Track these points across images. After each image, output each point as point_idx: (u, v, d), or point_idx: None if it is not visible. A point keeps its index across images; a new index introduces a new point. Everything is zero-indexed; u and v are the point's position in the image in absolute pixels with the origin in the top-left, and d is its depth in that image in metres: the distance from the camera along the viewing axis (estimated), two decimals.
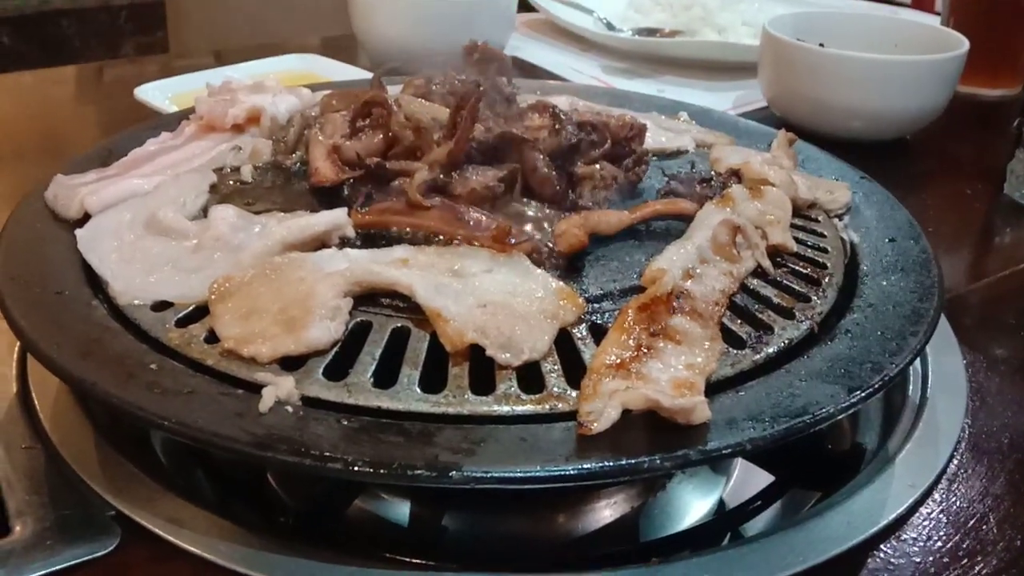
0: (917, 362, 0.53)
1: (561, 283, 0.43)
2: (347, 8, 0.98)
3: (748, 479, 0.52)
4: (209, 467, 0.49)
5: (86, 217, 0.50)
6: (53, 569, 0.37)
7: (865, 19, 0.91)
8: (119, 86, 0.95)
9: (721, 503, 0.51)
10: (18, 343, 0.51)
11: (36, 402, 0.46)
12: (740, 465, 0.53)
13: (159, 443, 0.48)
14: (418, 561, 0.40)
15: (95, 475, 0.42)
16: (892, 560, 0.40)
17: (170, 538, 0.38)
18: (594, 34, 1.08)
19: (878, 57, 0.79)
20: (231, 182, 0.53)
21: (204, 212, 0.49)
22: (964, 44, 0.82)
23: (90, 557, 0.38)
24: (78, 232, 0.48)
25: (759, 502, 0.49)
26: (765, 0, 1.19)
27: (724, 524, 0.49)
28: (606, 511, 0.49)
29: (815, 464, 0.50)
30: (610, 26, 1.10)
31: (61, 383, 0.47)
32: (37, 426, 0.45)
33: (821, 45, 0.84)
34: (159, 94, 0.81)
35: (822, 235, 0.52)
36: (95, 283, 0.45)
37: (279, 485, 0.49)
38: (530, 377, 0.39)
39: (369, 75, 0.86)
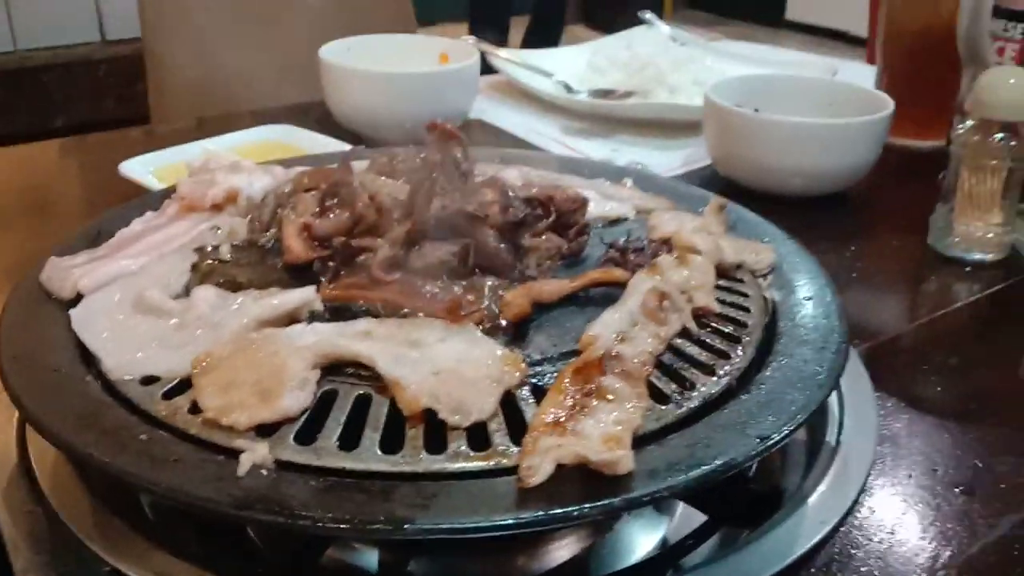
0: (835, 407, 0.58)
1: (506, 350, 0.48)
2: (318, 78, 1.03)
3: (689, 517, 0.56)
4: (194, 524, 0.53)
5: (79, 297, 0.54)
6: None
7: (801, 81, 0.96)
8: (103, 158, 0.99)
9: (664, 540, 0.56)
10: (16, 415, 0.55)
11: (36, 469, 0.51)
12: (681, 506, 0.57)
13: (147, 504, 0.53)
14: None
15: (91, 535, 0.46)
16: None
17: None
18: (553, 96, 1.13)
19: (808, 121, 0.85)
20: (210, 260, 0.58)
21: (187, 290, 0.54)
22: (890, 105, 0.88)
23: None
24: (72, 312, 0.52)
25: (693, 540, 0.54)
26: (715, 60, 1.25)
27: (666, 560, 0.53)
28: (560, 551, 0.53)
29: (742, 504, 0.54)
30: (568, 88, 1.16)
31: (57, 452, 0.52)
32: (37, 491, 0.49)
33: (756, 110, 0.89)
34: (142, 168, 0.85)
35: (745, 295, 0.57)
36: (88, 360, 0.50)
37: (258, 538, 0.53)
38: (478, 436, 0.44)
39: (339, 145, 0.92)
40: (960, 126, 0.77)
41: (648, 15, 1.38)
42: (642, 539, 0.55)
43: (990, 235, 0.78)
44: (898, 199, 0.94)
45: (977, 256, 0.78)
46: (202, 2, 1.49)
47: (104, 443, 0.43)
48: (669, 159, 1.00)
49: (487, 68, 1.17)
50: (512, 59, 1.21)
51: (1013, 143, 0.74)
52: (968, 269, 0.78)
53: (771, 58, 1.29)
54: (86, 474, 0.50)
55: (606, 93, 1.15)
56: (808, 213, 0.86)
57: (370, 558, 0.53)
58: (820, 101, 0.92)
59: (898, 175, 0.98)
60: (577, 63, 1.25)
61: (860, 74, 1.18)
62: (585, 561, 0.54)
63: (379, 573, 0.52)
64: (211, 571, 0.44)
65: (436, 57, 1.06)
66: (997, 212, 0.77)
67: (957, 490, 0.52)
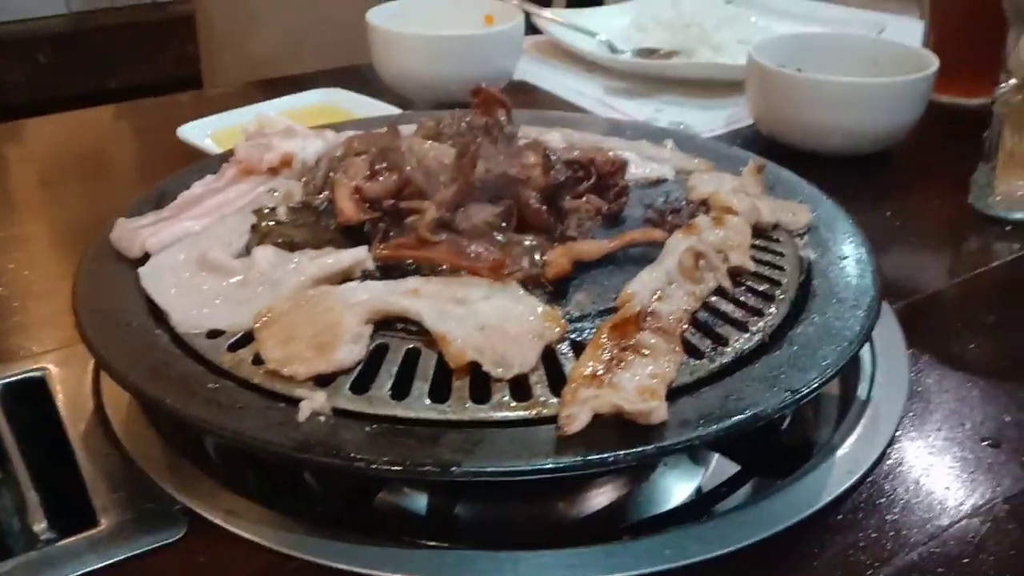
0: (868, 363, 0.60)
1: (547, 307, 0.50)
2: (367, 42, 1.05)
3: (723, 468, 0.59)
4: (256, 467, 0.57)
5: (146, 256, 0.57)
6: (133, 553, 0.45)
7: (845, 40, 0.96)
8: (157, 122, 1.03)
9: (699, 489, 0.58)
10: (90, 367, 0.59)
11: (111, 416, 0.55)
12: (715, 458, 0.59)
13: (212, 448, 0.56)
14: (433, 543, 0.47)
15: (164, 476, 0.50)
16: (827, 536, 0.47)
17: (228, 527, 0.46)
18: (596, 56, 1.14)
19: (849, 80, 0.86)
20: (269, 221, 0.61)
21: (247, 250, 0.57)
22: (934, 63, 0.88)
23: (162, 543, 0.45)
24: (140, 270, 0.56)
25: (726, 488, 0.56)
26: (760, 16, 1.25)
27: (700, 506, 0.56)
28: (599, 498, 0.56)
29: (773, 455, 0.56)
30: (612, 48, 1.16)
31: (130, 400, 0.56)
32: (112, 437, 0.53)
33: (799, 70, 0.90)
34: (199, 132, 0.88)
35: (781, 254, 0.59)
36: (157, 314, 0.53)
37: (315, 481, 0.56)
38: (520, 387, 0.46)
39: (387, 109, 0.94)
40: (1004, 85, 0.77)
41: None
42: (678, 488, 0.58)
43: None
44: (941, 158, 0.94)
45: (1018, 215, 0.78)
46: None
47: (175, 391, 0.46)
48: (712, 119, 1.00)
49: (531, 28, 1.18)
50: (556, 19, 1.21)
51: None
52: (1008, 228, 0.78)
53: (818, 14, 1.28)
54: (156, 420, 0.54)
55: (650, 52, 1.16)
56: (850, 172, 0.86)
57: (419, 502, 0.56)
58: (864, 59, 0.92)
59: (943, 134, 0.98)
60: (621, 21, 1.26)
61: (909, 30, 1.16)
62: (623, 507, 0.56)
63: (427, 516, 0.56)
64: (272, 510, 0.48)
65: (481, 19, 1.07)
66: None
67: (984, 443, 0.53)
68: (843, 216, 0.64)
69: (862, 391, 0.58)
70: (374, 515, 0.55)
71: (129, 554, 0.45)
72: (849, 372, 0.60)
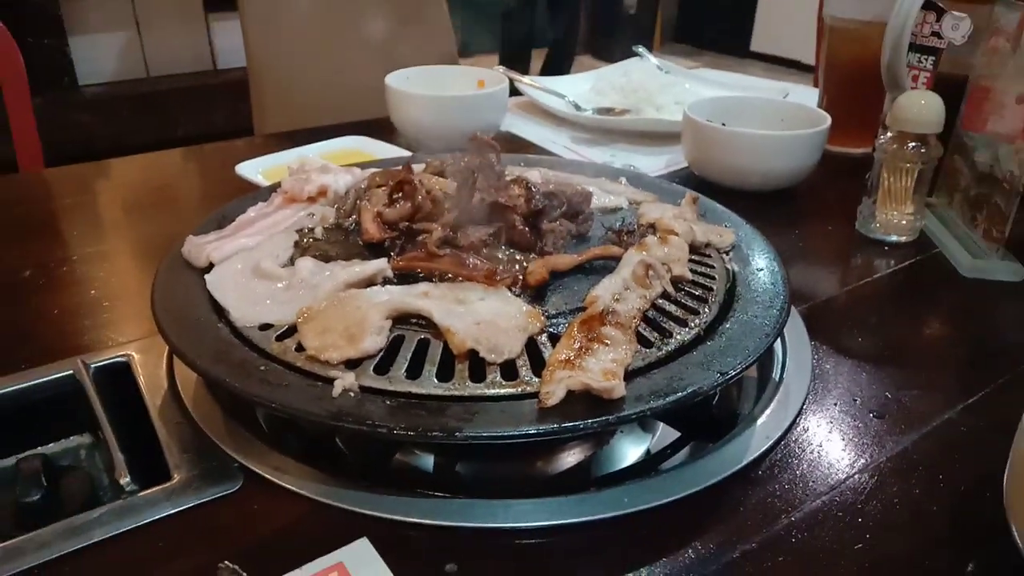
0: (780, 352, 0.60)
1: (530, 306, 0.50)
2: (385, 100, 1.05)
3: (666, 435, 0.59)
4: (299, 435, 0.56)
5: (210, 266, 0.57)
6: (199, 501, 0.44)
7: (759, 102, 0.97)
8: (215, 162, 1.02)
9: (648, 451, 0.58)
10: (166, 353, 0.58)
11: (182, 393, 0.54)
12: (660, 426, 0.59)
13: (264, 420, 0.55)
14: (440, 495, 0.47)
15: (224, 439, 0.49)
16: (750, 486, 0.47)
17: (276, 480, 0.45)
18: (565, 113, 1.14)
19: (763, 132, 0.86)
20: (308, 239, 0.60)
21: (291, 261, 0.56)
22: (827, 121, 0.88)
23: (224, 494, 0.45)
24: (206, 277, 0.55)
25: (670, 450, 0.56)
26: (692, 84, 1.25)
27: (648, 464, 0.56)
28: (569, 458, 0.56)
29: (707, 424, 0.56)
30: (577, 106, 1.16)
31: (198, 381, 0.55)
32: (183, 409, 0.52)
33: (724, 124, 0.90)
34: (252, 169, 0.87)
35: (712, 267, 0.58)
36: (219, 311, 0.52)
37: (344, 445, 0.56)
38: (509, 370, 0.46)
39: (402, 152, 0.93)
40: (882, 137, 0.77)
41: (640, 49, 1.38)
42: (631, 450, 0.57)
43: (904, 222, 0.78)
44: (833, 194, 0.94)
45: (894, 238, 0.79)
46: (294, 42, 1.51)
47: (234, 372, 0.45)
48: (655, 162, 1.00)
49: (514, 91, 1.18)
50: (533, 84, 1.21)
51: (923, 150, 0.75)
52: (887, 248, 0.79)
53: (737, 83, 1.29)
54: (219, 396, 0.53)
55: (607, 110, 1.16)
56: (764, 205, 0.86)
57: (427, 461, 0.55)
58: (774, 117, 0.93)
59: (834, 175, 0.98)
60: (584, 86, 1.26)
61: (807, 95, 1.17)
62: (588, 466, 0.56)
63: (434, 473, 0.55)
64: (311, 467, 0.47)
65: (475, 83, 1.07)
66: (910, 204, 0.78)
67: (871, 415, 0.53)
68: (759, 237, 0.64)
69: (776, 374, 0.58)
70: (391, 472, 0.54)
71: (196, 502, 0.44)
72: (765, 360, 0.60)
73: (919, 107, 0.73)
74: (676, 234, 0.58)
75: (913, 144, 0.75)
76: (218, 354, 0.47)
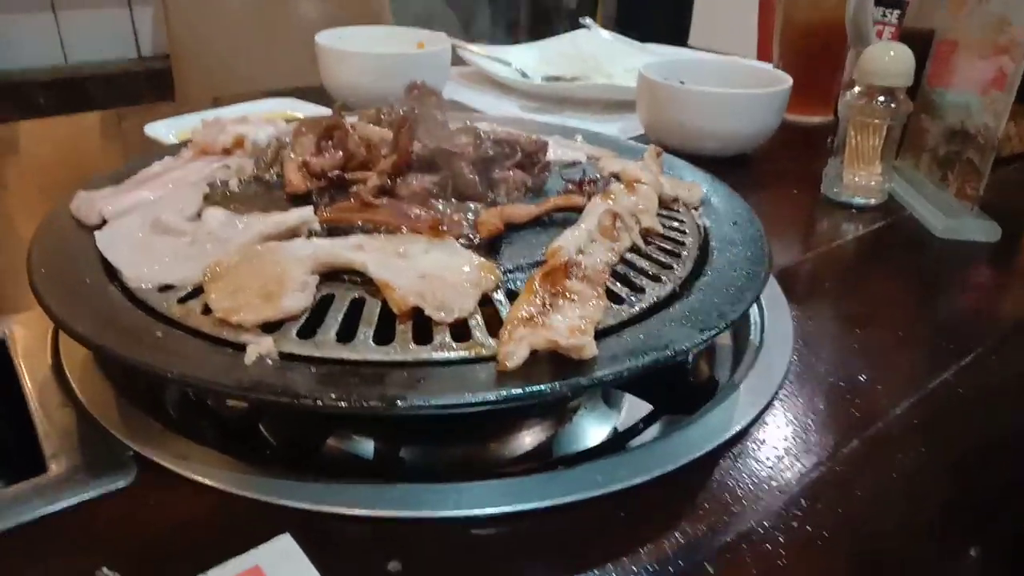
0: (757, 316, 0.54)
1: (483, 259, 0.43)
2: (317, 63, 0.97)
3: (634, 411, 0.52)
4: (211, 420, 0.48)
5: (104, 223, 0.48)
6: (81, 499, 0.36)
7: (716, 63, 0.92)
8: (133, 127, 0.92)
9: (615, 430, 0.52)
10: (51, 328, 0.49)
11: (67, 372, 0.45)
12: (628, 401, 0.53)
13: (171, 403, 0.47)
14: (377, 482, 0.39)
15: (116, 424, 0.40)
16: (739, 459, 0.41)
17: (178, 470, 0.37)
18: (512, 81, 1.07)
19: (722, 91, 0.81)
20: (220, 192, 0.52)
21: (199, 216, 0.48)
22: (788, 81, 0.84)
23: (112, 488, 0.36)
24: (96, 233, 0.46)
25: (642, 425, 0.50)
26: (643, 55, 1.20)
27: (617, 442, 0.50)
28: (527, 439, 0.49)
29: (683, 394, 0.50)
30: (524, 75, 1.10)
31: (87, 357, 0.46)
32: (68, 390, 0.43)
33: (682, 83, 0.85)
34: (165, 130, 0.78)
35: (682, 221, 0.53)
36: (112, 273, 0.44)
37: (267, 432, 0.48)
38: (460, 330, 0.39)
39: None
40: (848, 93, 0.73)
41: (587, 20, 1.32)
42: (595, 430, 0.51)
43: (872, 183, 0.74)
44: (794, 161, 0.90)
45: (862, 200, 0.75)
46: (219, 24, 1.42)
47: (122, 339, 0.37)
48: (607, 129, 0.94)
49: (458, 60, 1.11)
50: (478, 51, 1.14)
51: (892, 105, 0.71)
52: (854, 211, 0.74)
53: (688, 56, 1.24)
54: (112, 374, 0.44)
55: (555, 79, 1.09)
56: (723, 171, 0.81)
57: (366, 447, 0.48)
58: (732, 78, 0.87)
59: (793, 144, 0.95)
60: (531, 56, 1.19)
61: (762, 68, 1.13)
62: (548, 448, 0.50)
63: (374, 460, 0.47)
64: (225, 454, 0.39)
65: (414, 45, 0.99)
66: (878, 164, 0.74)
67: (862, 377, 0.48)
68: (729, 191, 0.58)
69: (755, 339, 0.52)
70: (324, 462, 0.46)
71: (76, 500, 0.36)
72: (742, 325, 0.54)
73: (888, 58, 0.69)
74: (644, 183, 0.52)
75: (882, 99, 0.71)
76: (104, 319, 0.39)
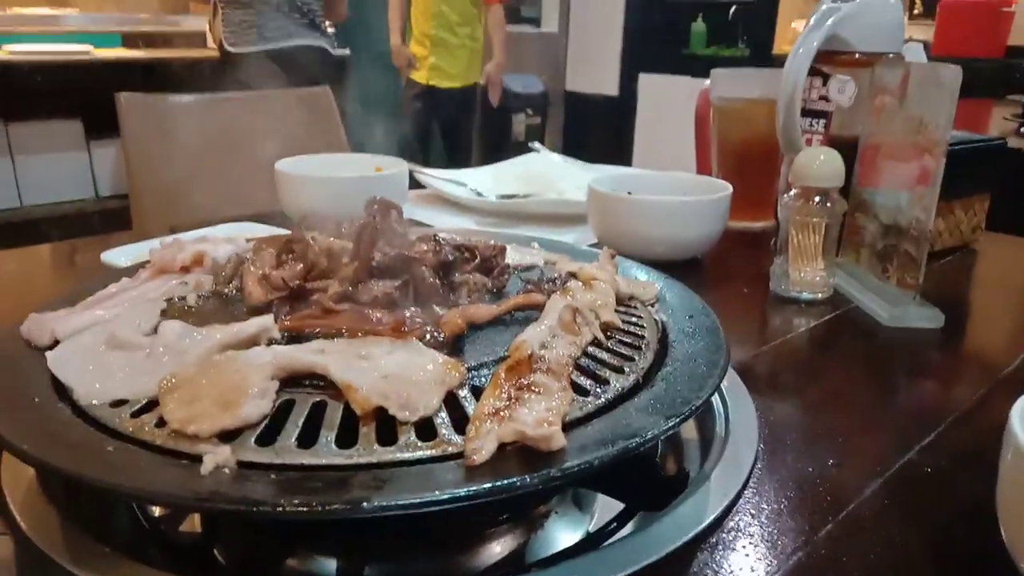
0: (720, 407, 0.55)
1: (447, 357, 0.43)
2: (276, 189, 0.98)
3: (607, 514, 0.51)
4: (162, 546, 0.45)
5: (56, 344, 0.47)
6: None
7: (661, 177, 0.96)
8: (88, 259, 0.91)
9: (588, 533, 0.50)
10: None
11: (8, 497, 0.42)
12: (600, 505, 0.52)
13: (120, 529, 0.44)
14: None
15: (59, 551, 0.37)
16: (716, 549, 0.40)
17: None
18: (468, 200, 1.11)
19: (668, 199, 0.85)
20: (179, 307, 0.51)
21: (156, 331, 0.47)
22: (729, 188, 0.89)
23: None
24: (47, 353, 0.45)
25: (615, 524, 0.48)
26: (590, 172, 1.25)
27: (591, 542, 0.48)
28: (497, 548, 0.47)
29: (654, 489, 0.49)
30: (479, 194, 1.14)
31: (31, 482, 0.43)
32: (8, 516, 0.40)
33: (629, 193, 0.88)
34: (122, 257, 0.78)
35: (640, 317, 0.53)
36: (63, 392, 0.42)
37: (222, 556, 0.45)
38: (425, 429, 0.38)
39: None
40: (786, 196, 0.77)
41: (536, 144, 1.39)
42: (568, 535, 0.49)
43: (818, 278, 0.77)
44: (740, 262, 0.93)
45: (809, 295, 0.77)
46: (178, 158, 1.46)
47: (69, 454, 0.35)
48: (562, 239, 0.97)
49: (415, 184, 1.14)
50: (433, 174, 1.18)
51: (828, 204, 0.75)
52: (803, 305, 0.77)
53: (634, 171, 1.30)
54: (56, 499, 0.42)
55: (510, 196, 1.13)
56: (672, 273, 0.83)
57: (328, 566, 0.45)
58: (676, 189, 0.92)
59: (738, 246, 0.98)
60: (485, 176, 1.24)
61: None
62: (520, 556, 0.47)
63: None
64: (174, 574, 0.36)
65: (372, 169, 1.02)
66: (821, 260, 0.77)
67: (830, 462, 0.48)
68: (683, 288, 0.60)
69: (719, 430, 0.52)
70: None
71: None
72: (707, 417, 0.54)
73: (819, 162, 0.74)
74: (600, 280, 0.53)
75: (817, 199, 0.74)
76: (51, 436, 0.37)
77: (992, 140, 0.96)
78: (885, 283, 0.75)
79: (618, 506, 0.50)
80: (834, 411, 0.55)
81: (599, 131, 5.32)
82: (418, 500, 0.33)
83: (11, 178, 3.00)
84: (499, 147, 4.91)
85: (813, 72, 0.83)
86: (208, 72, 2.88)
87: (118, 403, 0.40)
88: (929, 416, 0.54)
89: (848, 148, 0.79)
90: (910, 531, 0.41)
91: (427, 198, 1.18)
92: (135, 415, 0.39)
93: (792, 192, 0.76)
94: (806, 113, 0.85)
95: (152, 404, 0.40)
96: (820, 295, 0.77)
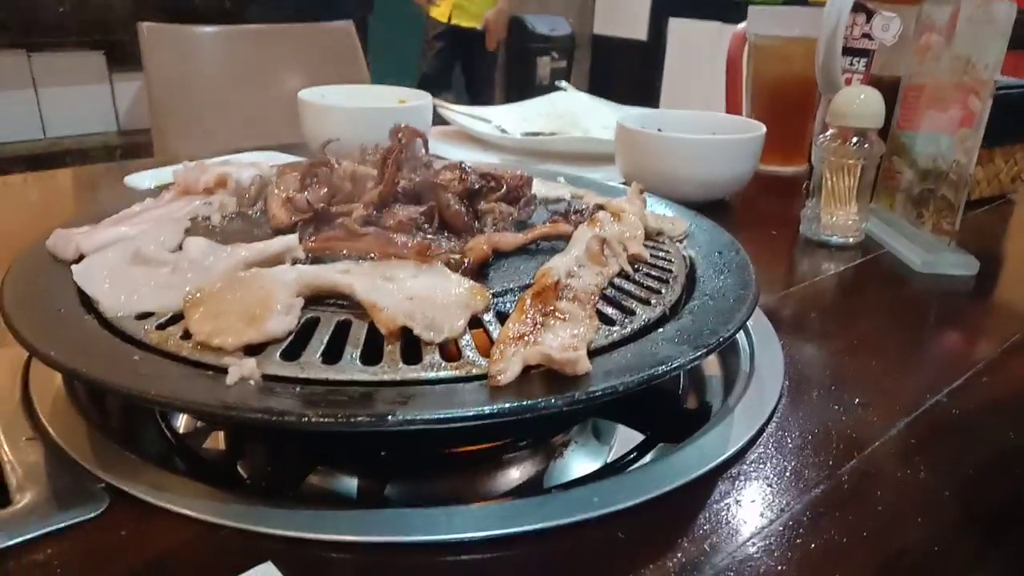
0: (746, 344, 0.54)
1: (472, 281, 0.42)
2: (299, 120, 0.97)
3: (627, 446, 0.51)
4: (189, 459, 0.46)
5: (81, 258, 0.47)
6: (47, 529, 0.33)
7: (691, 116, 0.94)
8: (111, 181, 0.91)
9: (606, 463, 0.50)
10: (22, 364, 0.47)
11: (37, 405, 0.43)
12: (619, 436, 0.52)
13: (147, 440, 0.45)
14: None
15: (86, 456, 0.38)
16: (737, 480, 0.39)
17: (151, 500, 0.35)
18: (491, 136, 1.09)
19: (699, 137, 0.83)
20: (203, 226, 0.51)
21: (180, 248, 0.47)
22: (762, 128, 0.86)
23: (81, 519, 0.34)
24: (73, 267, 0.45)
25: (635, 454, 0.48)
26: (617, 111, 1.23)
27: (609, 471, 0.48)
28: (515, 473, 0.48)
29: (675, 422, 0.49)
30: (503, 131, 1.12)
31: (58, 391, 0.44)
32: (37, 423, 0.41)
33: (659, 131, 0.86)
34: (146, 180, 0.77)
35: (668, 251, 0.52)
36: (89, 305, 0.42)
37: (245, 470, 0.46)
38: (449, 352, 0.38)
39: None
40: (822, 136, 0.75)
41: (563, 83, 1.36)
42: (586, 464, 0.50)
43: (850, 222, 0.75)
44: (771, 205, 0.92)
45: (840, 239, 0.76)
46: (200, 91, 1.44)
47: (97, 363, 0.35)
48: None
49: (438, 122, 1.12)
50: (458, 110, 1.16)
51: (865, 146, 0.73)
52: (834, 249, 0.75)
53: (663, 110, 1.27)
54: (83, 406, 0.43)
55: (535, 134, 1.11)
56: (703, 213, 0.83)
57: (349, 484, 0.46)
58: (707, 128, 0.89)
59: (769, 190, 0.96)
60: (510, 114, 1.22)
61: None
62: (539, 481, 0.48)
63: (358, 499, 0.45)
64: (201, 483, 0.37)
65: (396, 101, 1.00)
66: (854, 204, 0.75)
67: (856, 401, 0.47)
68: (712, 224, 0.59)
69: (745, 366, 0.51)
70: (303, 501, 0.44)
71: (43, 531, 0.33)
72: (731, 352, 0.53)
73: (859, 101, 0.71)
74: (629, 213, 0.52)
75: (855, 140, 0.72)
76: (79, 346, 0.37)
77: None
78: (919, 229, 0.73)
79: (638, 439, 0.50)
80: (862, 353, 0.54)
81: (626, 76, 5.20)
82: (444, 415, 0.33)
83: (35, 109, 3.00)
84: (523, 90, 4.83)
85: (856, 8, 0.79)
86: (231, 4, 2.84)
87: (143, 316, 0.40)
88: (959, 362, 0.53)
89: (889, 89, 0.76)
90: (935, 472, 0.40)
91: (450, 134, 1.16)
92: (160, 327, 0.39)
93: (828, 133, 0.74)
94: (847, 51, 0.82)
95: (177, 318, 0.40)
96: (851, 239, 0.75)
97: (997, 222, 0.89)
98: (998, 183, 0.92)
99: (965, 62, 0.67)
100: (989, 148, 0.87)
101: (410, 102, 0.99)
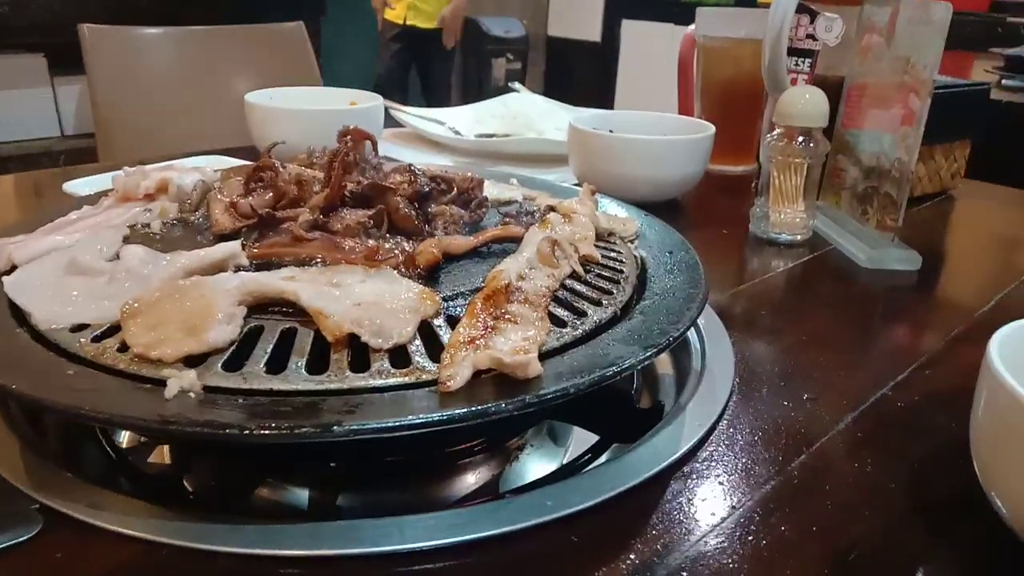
0: (697, 343, 0.54)
1: (422, 286, 0.42)
2: (246, 123, 0.95)
3: (582, 447, 0.51)
4: (131, 478, 0.44)
5: (13, 268, 0.45)
6: None
7: (643, 117, 0.94)
8: (51, 188, 0.89)
9: (562, 466, 0.50)
10: None
11: None
12: (574, 438, 0.52)
13: (86, 459, 0.43)
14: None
15: (19, 476, 0.36)
16: (690, 478, 0.40)
17: (88, 520, 0.34)
18: (445, 139, 1.08)
19: (650, 138, 0.83)
20: (142, 234, 0.49)
21: (118, 257, 0.45)
22: (711, 128, 0.87)
23: (13, 542, 0.33)
24: (4, 279, 0.43)
25: (589, 455, 0.48)
26: (571, 113, 1.23)
27: (564, 473, 0.48)
28: (471, 479, 0.47)
29: (629, 422, 0.49)
30: (457, 132, 1.11)
31: None
32: None
33: (611, 132, 0.87)
34: (85, 187, 0.75)
35: (619, 251, 0.53)
36: (21, 318, 0.41)
37: (191, 485, 0.44)
38: (399, 356, 0.37)
39: None
40: (770, 136, 0.76)
41: (516, 85, 1.36)
42: (542, 467, 0.49)
43: (798, 219, 0.76)
44: (720, 205, 0.93)
45: (788, 237, 0.77)
46: (145, 94, 1.41)
47: (29, 378, 0.34)
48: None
49: (390, 124, 1.11)
50: (410, 111, 1.15)
51: (811, 144, 0.74)
52: (783, 247, 0.76)
53: (615, 112, 1.28)
54: (16, 425, 0.41)
55: (488, 136, 1.11)
56: (652, 213, 0.83)
57: (300, 496, 0.45)
58: (658, 129, 0.90)
59: (719, 190, 0.97)
60: (463, 115, 1.21)
61: None
62: (494, 486, 0.47)
63: (309, 511, 0.44)
64: (142, 500, 0.36)
65: (346, 103, 0.99)
66: (801, 202, 0.76)
67: (804, 396, 0.48)
68: (663, 225, 0.59)
69: (696, 364, 0.52)
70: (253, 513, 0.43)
71: None
72: (683, 351, 0.54)
73: (804, 101, 0.72)
74: (580, 214, 0.52)
75: (801, 139, 0.73)
76: (9, 360, 0.36)
77: (975, 84, 0.95)
78: (864, 226, 0.75)
79: (593, 440, 0.50)
80: (810, 349, 0.55)
81: (581, 77, 5.23)
82: (391, 424, 0.32)
83: None
84: (479, 92, 4.82)
85: (801, 9, 0.81)
86: (178, 4, 2.77)
87: (78, 328, 0.39)
88: (904, 355, 0.55)
89: (833, 89, 0.77)
90: (883, 464, 0.41)
91: (402, 136, 1.15)
92: (96, 340, 0.38)
93: (775, 132, 0.75)
94: (792, 52, 0.83)
95: (114, 329, 0.38)
96: (799, 237, 0.76)
97: (939, 218, 0.92)
98: (939, 179, 0.94)
99: (905, 62, 0.69)
100: (930, 146, 0.89)
101: (361, 104, 0.97)
